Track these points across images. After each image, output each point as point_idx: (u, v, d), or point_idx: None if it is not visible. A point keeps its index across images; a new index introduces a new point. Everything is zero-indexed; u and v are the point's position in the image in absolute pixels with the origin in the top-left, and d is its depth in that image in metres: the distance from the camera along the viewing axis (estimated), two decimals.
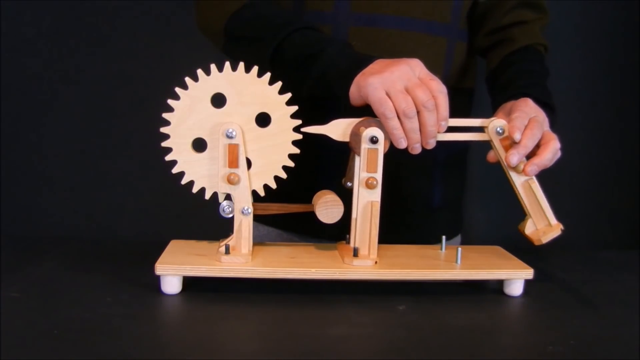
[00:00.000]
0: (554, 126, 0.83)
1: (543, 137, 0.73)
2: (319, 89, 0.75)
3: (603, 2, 1.19)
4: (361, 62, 0.71)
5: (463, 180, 0.97)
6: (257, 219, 0.74)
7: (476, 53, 0.94)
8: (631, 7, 1.19)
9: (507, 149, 0.72)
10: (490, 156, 0.74)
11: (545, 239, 0.73)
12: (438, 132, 0.69)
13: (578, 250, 0.97)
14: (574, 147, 1.25)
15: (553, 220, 0.73)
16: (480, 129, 0.73)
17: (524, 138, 0.71)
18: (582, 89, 1.23)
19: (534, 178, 0.73)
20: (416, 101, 0.67)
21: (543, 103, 0.79)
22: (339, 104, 0.77)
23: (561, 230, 0.73)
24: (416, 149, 0.69)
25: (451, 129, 0.71)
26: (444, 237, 0.77)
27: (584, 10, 1.19)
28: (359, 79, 0.69)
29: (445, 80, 0.86)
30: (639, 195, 1.26)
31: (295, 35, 0.75)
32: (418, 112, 0.67)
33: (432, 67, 0.84)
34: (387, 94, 0.67)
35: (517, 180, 0.73)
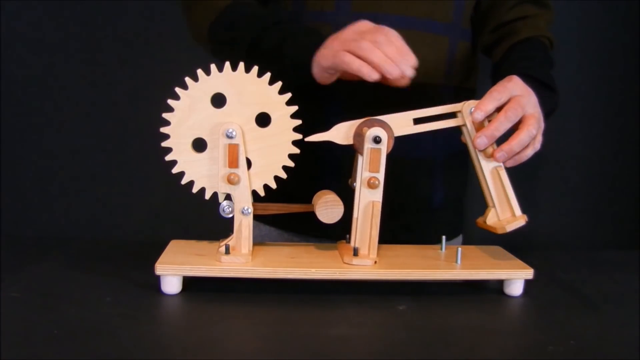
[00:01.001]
0: (554, 112, 0.81)
1: (522, 120, 0.69)
2: (290, 78, 0.74)
3: (603, 2, 1.19)
4: (317, 43, 0.73)
5: (464, 181, 0.97)
6: (258, 218, 0.74)
7: (481, 52, 0.93)
8: (631, 7, 1.19)
9: (480, 129, 0.70)
10: (462, 139, 0.72)
11: (510, 227, 0.70)
12: (403, 79, 0.69)
13: (578, 250, 0.97)
14: (574, 147, 1.25)
15: (518, 211, 0.72)
16: (453, 115, 0.72)
17: (494, 121, 0.68)
18: (583, 89, 1.23)
19: (502, 165, 0.71)
20: (367, 40, 0.68)
21: (543, 85, 0.77)
22: (336, 106, 0.77)
23: (525, 221, 0.70)
24: (391, 72, 0.68)
25: (426, 120, 0.71)
26: (443, 237, 0.77)
27: (583, 10, 1.19)
28: (317, 58, 0.72)
29: (447, 80, 0.86)
30: (639, 195, 1.26)
31: (263, 33, 0.77)
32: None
33: (434, 66, 0.84)
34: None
35: (486, 166, 0.71)
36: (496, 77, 0.86)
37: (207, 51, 0.85)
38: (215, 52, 0.84)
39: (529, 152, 0.72)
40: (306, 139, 0.69)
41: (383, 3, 0.81)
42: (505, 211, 0.72)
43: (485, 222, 0.73)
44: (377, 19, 0.80)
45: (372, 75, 0.68)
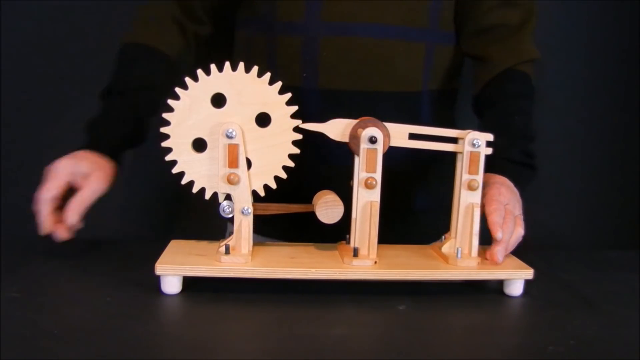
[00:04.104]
0: (530, 182, 0.83)
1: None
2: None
3: (603, 2, 1.19)
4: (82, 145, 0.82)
5: (447, 184, 0.97)
6: (258, 231, 0.75)
7: (465, 55, 0.89)
8: (631, 7, 1.19)
9: (474, 163, 0.71)
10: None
11: (462, 263, 0.71)
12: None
13: (578, 250, 0.97)
14: (574, 147, 1.25)
15: (475, 252, 0.72)
16: (454, 140, 0.72)
17: (504, 235, 0.72)
18: (583, 89, 1.23)
19: (479, 204, 0.72)
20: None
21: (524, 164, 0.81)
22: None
23: (477, 264, 0.71)
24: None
25: (426, 138, 0.71)
26: (443, 237, 0.77)
27: (584, 10, 1.19)
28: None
29: (426, 86, 0.84)
30: (639, 195, 1.26)
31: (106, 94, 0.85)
32: None
33: (409, 73, 0.82)
34: None
35: (464, 199, 0.72)
36: (480, 116, 0.88)
37: None
38: None
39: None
40: (301, 126, 0.69)
41: (353, 11, 0.79)
42: (464, 246, 0.72)
43: (440, 248, 0.74)
44: (349, 28, 0.79)
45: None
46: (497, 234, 0.71)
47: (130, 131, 0.83)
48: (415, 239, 0.81)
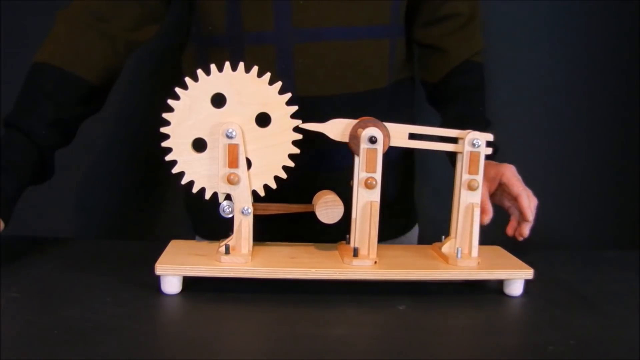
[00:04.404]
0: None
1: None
2: None
3: (603, 2, 1.19)
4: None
5: (413, 177, 0.99)
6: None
7: (416, 43, 0.94)
8: (632, 7, 1.19)
9: (474, 163, 0.71)
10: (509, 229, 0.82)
11: (462, 263, 0.71)
12: None
13: (578, 250, 0.97)
14: (574, 147, 1.25)
15: (475, 252, 0.72)
16: (454, 140, 0.73)
17: (531, 215, 0.79)
18: (583, 89, 1.23)
19: (479, 204, 0.72)
20: None
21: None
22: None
23: (477, 263, 0.71)
24: None
25: (425, 137, 0.72)
26: (443, 237, 0.77)
27: (584, 10, 1.19)
28: None
29: (389, 77, 0.86)
30: (639, 195, 1.26)
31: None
32: None
33: (377, 72, 0.84)
34: None
35: (464, 199, 0.72)
36: (439, 105, 0.92)
37: None
38: None
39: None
40: (301, 126, 0.69)
41: (323, 15, 0.79)
42: (464, 246, 0.72)
43: (440, 248, 0.74)
44: (321, 33, 0.79)
45: None
46: (530, 217, 0.79)
47: (30, 176, 0.75)
48: (387, 229, 0.82)
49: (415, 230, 1.01)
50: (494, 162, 0.83)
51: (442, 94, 0.92)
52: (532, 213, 0.79)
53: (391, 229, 0.89)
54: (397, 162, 0.91)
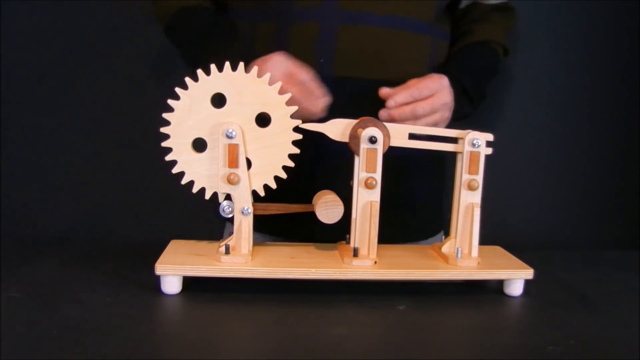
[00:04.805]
0: (464, 119, 0.87)
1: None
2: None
3: (604, 2, 1.19)
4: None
5: (442, 180, 0.98)
6: (261, 229, 0.75)
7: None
8: (632, 7, 1.19)
9: (474, 163, 0.71)
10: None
11: (462, 263, 0.71)
12: None
13: (578, 250, 0.97)
14: (574, 147, 1.25)
15: (475, 252, 0.72)
16: (454, 140, 0.73)
17: (405, 108, 0.76)
18: (582, 88, 1.23)
19: (479, 204, 0.72)
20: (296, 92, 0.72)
21: (465, 93, 0.85)
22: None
23: (477, 263, 0.71)
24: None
25: (426, 138, 0.72)
26: (443, 237, 0.77)
27: (584, 10, 1.19)
28: None
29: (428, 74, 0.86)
30: (639, 195, 1.26)
31: (202, 51, 0.81)
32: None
33: (418, 65, 0.85)
34: None
35: (464, 199, 0.72)
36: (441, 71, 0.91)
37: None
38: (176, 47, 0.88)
39: (422, 123, 0.78)
40: (301, 126, 0.69)
41: (369, 2, 0.81)
42: (464, 246, 0.72)
43: (440, 248, 0.74)
44: (365, 18, 0.80)
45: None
46: (389, 102, 0.76)
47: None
48: (413, 233, 0.83)
49: (439, 237, 0.97)
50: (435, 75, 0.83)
51: (448, 62, 0.92)
52: (395, 103, 0.76)
53: (418, 231, 0.88)
54: (426, 164, 0.91)
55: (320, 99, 0.74)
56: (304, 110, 0.72)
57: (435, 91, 0.79)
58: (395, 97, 0.76)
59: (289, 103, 0.68)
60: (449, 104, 0.81)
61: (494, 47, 0.92)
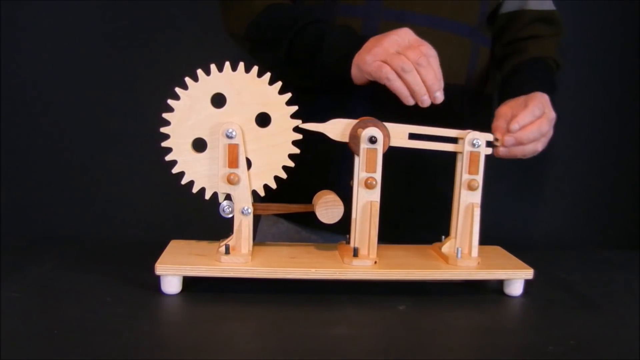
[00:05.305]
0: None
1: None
2: (326, 76, 0.79)
3: (604, 2, 1.19)
4: (356, 44, 0.75)
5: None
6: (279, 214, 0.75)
7: (493, 63, 0.95)
8: (631, 7, 1.19)
9: (474, 163, 0.71)
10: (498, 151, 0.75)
11: (462, 263, 0.71)
12: (434, 103, 0.71)
13: (578, 250, 0.97)
14: (574, 147, 1.25)
15: (475, 252, 0.72)
16: (454, 140, 0.73)
17: (526, 129, 0.73)
18: (583, 89, 1.23)
19: (479, 204, 0.72)
20: (409, 60, 0.70)
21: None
22: (340, 105, 0.77)
23: (477, 263, 0.71)
24: (425, 102, 0.71)
25: (426, 138, 0.72)
26: (443, 237, 0.77)
27: (584, 10, 1.19)
28: (356, 60, 0.74)
29: (468, 84, 0.88)
30: (639, 195, 1.26)
31: (302, 32, 0.79)
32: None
33: (457, 67, 0.86)
34: (384, 62, 0.70)
35: (464, 199, 0.72)
36: (505, 89, 0.90)
37: (242, 48, 0.87)
38: (253, 50, 0.86)
39: (530, 149, 0.76)
40: (301, 126, 0.69)
41: (413, 2, 0.82)
42: (464, 246, 0.72)
43: (440, 248, 0.74)
44: (408, 16, 0.81)
45: (409, 101, 0.71)
46: (512, 125, 0.73)
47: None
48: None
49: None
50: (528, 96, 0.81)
51: (506, 81, 0.91)
52: (519, 126, 0.73)
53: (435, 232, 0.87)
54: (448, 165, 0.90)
55: (437, 81, 0.71)
56: (413, 84, 0.70)
57: (544, 108, 0.78)
58: (518, 119, 0.74)
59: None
60: (555, 118, 0.80)
61: (549, 62, 0.92)
